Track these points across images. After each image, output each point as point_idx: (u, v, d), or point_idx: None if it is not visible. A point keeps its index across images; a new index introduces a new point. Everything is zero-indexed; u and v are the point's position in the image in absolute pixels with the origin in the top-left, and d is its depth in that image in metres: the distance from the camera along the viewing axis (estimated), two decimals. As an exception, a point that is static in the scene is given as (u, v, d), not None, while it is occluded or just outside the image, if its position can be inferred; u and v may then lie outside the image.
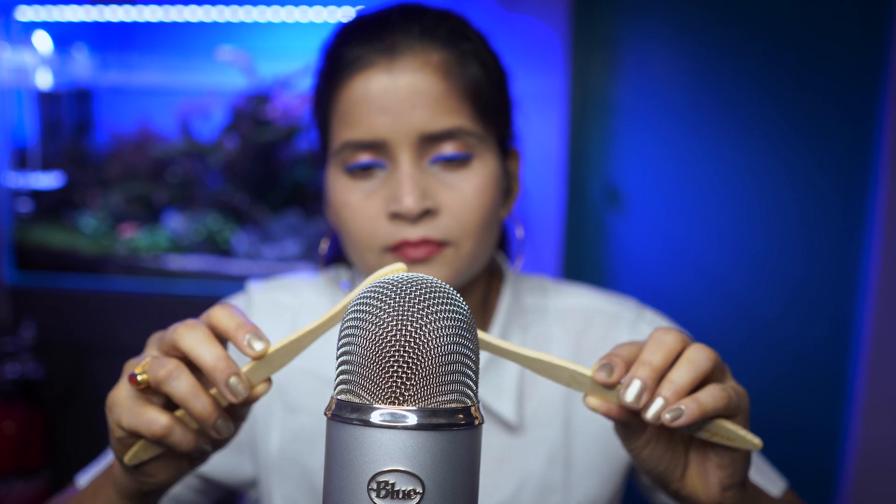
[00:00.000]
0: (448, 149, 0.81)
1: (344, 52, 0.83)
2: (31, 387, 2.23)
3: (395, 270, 0.58)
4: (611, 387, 0.58)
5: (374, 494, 0.44)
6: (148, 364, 0.58)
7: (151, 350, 0.62)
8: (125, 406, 0.59)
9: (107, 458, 0.86)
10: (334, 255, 1.01)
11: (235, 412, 0.63)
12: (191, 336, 0.58)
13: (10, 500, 2.13)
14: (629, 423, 0.60)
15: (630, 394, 0.56)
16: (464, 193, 0.82)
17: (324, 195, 0.94)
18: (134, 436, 0.60)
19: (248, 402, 0.60)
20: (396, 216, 0.81)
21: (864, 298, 1.98)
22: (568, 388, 0.90)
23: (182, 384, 0.57)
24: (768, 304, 2.05)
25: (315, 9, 2.32)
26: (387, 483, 0.44)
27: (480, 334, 0.60)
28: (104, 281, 2.40)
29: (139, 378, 0.58)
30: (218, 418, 0.58)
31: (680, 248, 2.08)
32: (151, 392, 0.59)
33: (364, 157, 0.82)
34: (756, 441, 0.59)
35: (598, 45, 2.06)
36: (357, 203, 0.82)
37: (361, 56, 0.82)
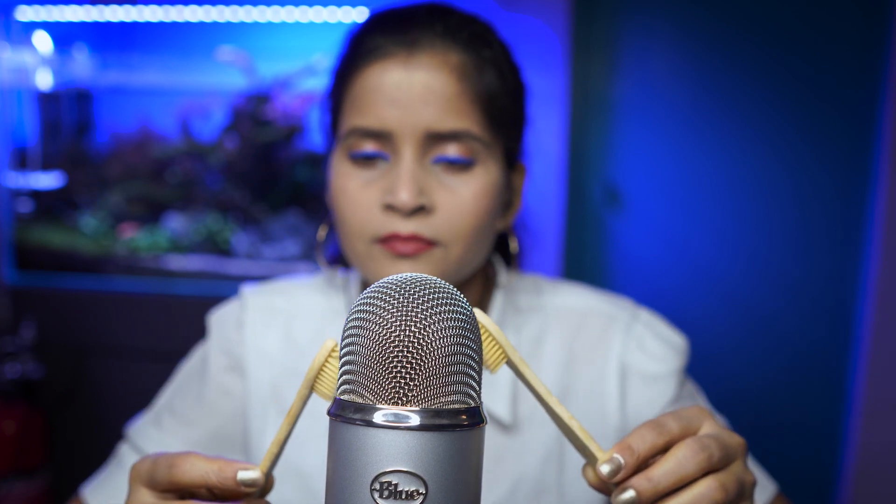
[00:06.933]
0: (452, 151, 0.82)
1: (366, 40, 0.84)
2: (31, 387, 2.22)
3: None
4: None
5: (377, 495, 0.44)
6: None
7: (144, 496, 0.58)
8: None
9: (110, 470, 0.87)
10: (335, 249, 1.01)
11: None
12: (189, 467, 0.56)
13: (10, 500, 2.13)
14: None
15: (621, 501, 0.54)
16: (461, 197, 0.82)
17: (325, 180, 0.94)
18: None
19: (265, 491, 0.59)
20: (390, 208, 0.81)
21: (864, 298, 1.98)
22: (563, 388, 0.90)
23: None
24: (768, 303, 2.05)
25: (315, 9, 2.32)
26: (390, 483, 0.44)
27: (518, 361, 0.57)
28: (104, 281, 2.40)
29: None
30: None
31: (680, 248, 2.08)
32: None
33: (369, 147, 0.82)
34: None
35: (598, 44, 2.06)
36: (354, 190, 0.83)
37: (382, 46, 0.82)
